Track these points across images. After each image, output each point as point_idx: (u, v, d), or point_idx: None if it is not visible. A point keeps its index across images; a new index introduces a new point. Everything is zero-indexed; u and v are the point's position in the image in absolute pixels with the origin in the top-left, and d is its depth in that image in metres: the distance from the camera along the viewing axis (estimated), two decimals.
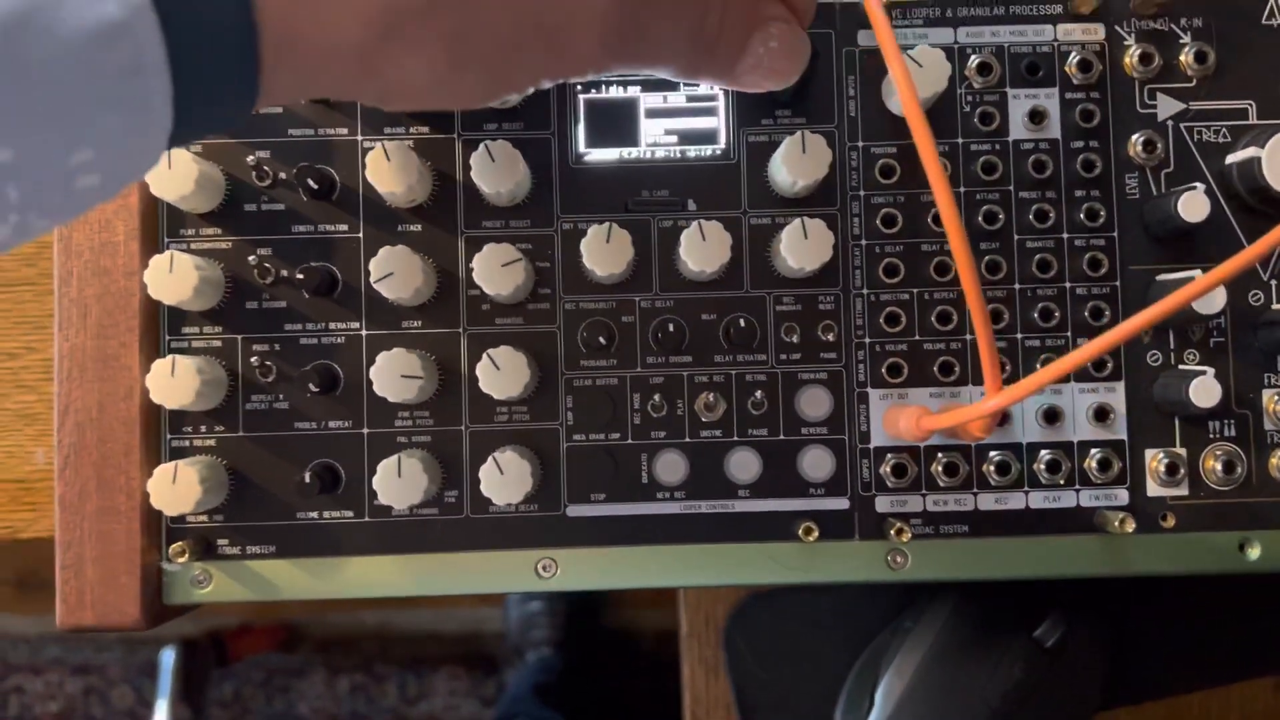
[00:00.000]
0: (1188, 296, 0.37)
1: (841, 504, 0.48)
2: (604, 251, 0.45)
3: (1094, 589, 0.61)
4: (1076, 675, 0.59)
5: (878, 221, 0.48)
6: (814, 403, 0.48)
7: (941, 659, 0.58)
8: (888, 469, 0.47)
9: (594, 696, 1.43)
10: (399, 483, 0.45)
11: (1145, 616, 0.64)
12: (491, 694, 1.53)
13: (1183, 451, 0.48)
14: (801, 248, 0.45)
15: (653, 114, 0.48)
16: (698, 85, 0.48)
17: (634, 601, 1.52)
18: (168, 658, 1.44)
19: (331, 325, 0.48)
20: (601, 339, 0.47)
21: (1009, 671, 0.56)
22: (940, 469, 0.47)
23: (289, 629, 1.56)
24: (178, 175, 0.45)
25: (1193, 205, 0.45)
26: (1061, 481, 0.47)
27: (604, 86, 0.48)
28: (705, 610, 0.65)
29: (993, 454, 0.47)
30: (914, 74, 0.45)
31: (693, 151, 0.48)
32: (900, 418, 0.45)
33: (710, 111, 0.48)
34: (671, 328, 0.47)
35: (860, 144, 0.48)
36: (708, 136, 0.48)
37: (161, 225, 0.48)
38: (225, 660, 1.51)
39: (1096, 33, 0.49)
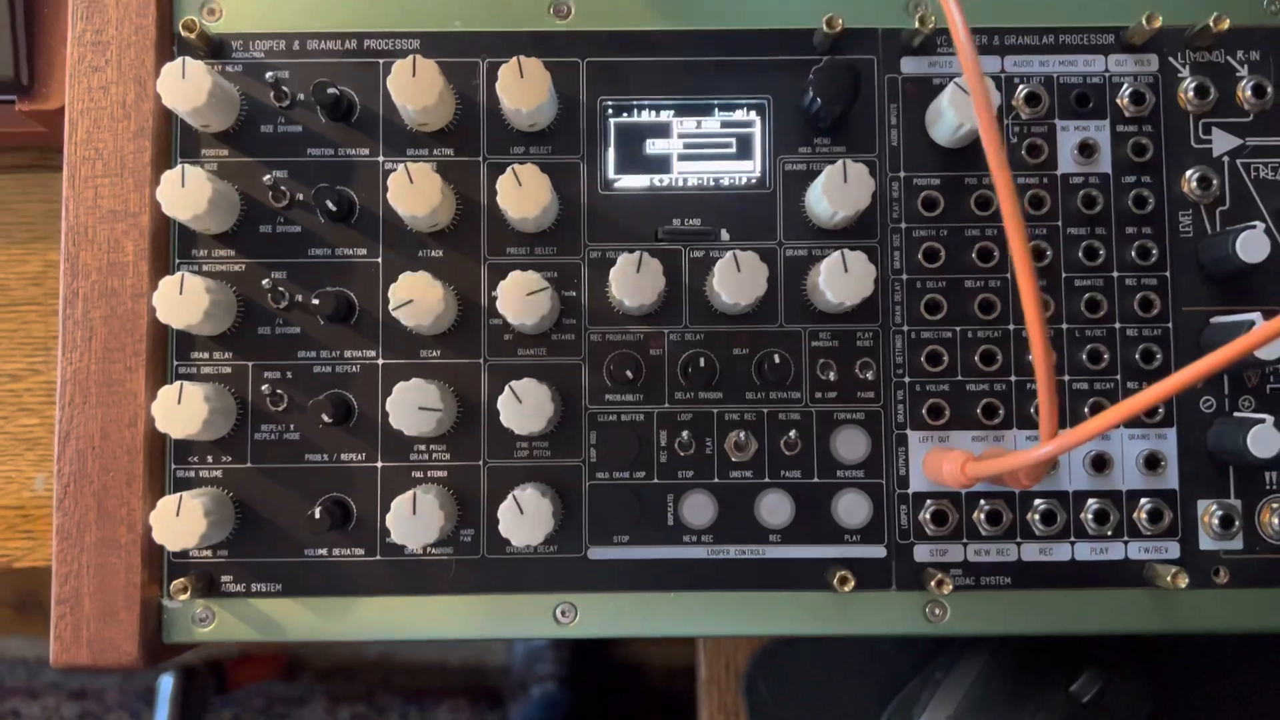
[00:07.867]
0: (1256, 342, 0.35)
1: (878, 552, 0.45)
2: (634, 281, 0.43)
3: (1133, 642, 0.58)
4: None
5: (920, 256, 0.46)
6: (850, 444, 0.46)
7: (975, 712, 0.55)
8: (927, 515, 0.45)
9: None
10: (414, 520, 0.42)
11: (1185, 671, 0.61)
12: None
13: (1237, 503, 0.45)
14: (842, 281, 0.42)
15: (686, 139, 0.46)
16: (732, 112, 0.46)
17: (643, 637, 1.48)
18: (166, 684, 1.41)
19: (347, 353, 0.46)
20: (628, 372, 0.45)
21: None
22: (983, 516, 0.45)
23: (290, 658, 1.53)
24: (191, 194, 0.43)
25: (1252, 245, 0.43)
26: (1109, 532, 0.45)
27: (635, 110, 0.46)
28: (725, 655, 0.62)
29: (1037, 502, 0.45)
30: (959, 103, 0.43)
31: (727, 179, 0.46)
32: (944, 462, 0.42)
33: (746, 138, 0.46)
34: (702, 362, 0.45)
35: (902, 174, 0.46)
36: (743, 164, 0.46)
37: (173, 246, 0.46)
38: (224, 688, 1.47)
39: (1150, 64, 0.47)
